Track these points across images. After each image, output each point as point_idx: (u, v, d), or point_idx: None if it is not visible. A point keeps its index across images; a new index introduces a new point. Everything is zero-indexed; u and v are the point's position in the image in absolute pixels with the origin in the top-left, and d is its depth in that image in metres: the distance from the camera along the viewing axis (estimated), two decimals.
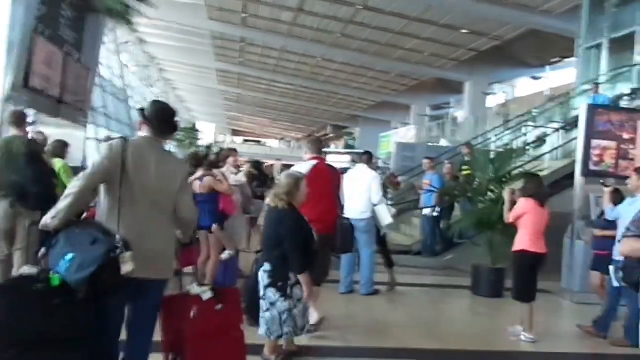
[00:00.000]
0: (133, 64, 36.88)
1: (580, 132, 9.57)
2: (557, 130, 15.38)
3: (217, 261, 8.00)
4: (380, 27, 27.49)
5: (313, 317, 6.21)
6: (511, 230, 8.56)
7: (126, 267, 3.44)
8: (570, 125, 15.47)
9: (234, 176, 9.22)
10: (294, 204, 5.21)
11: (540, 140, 15.55)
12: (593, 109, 9.48)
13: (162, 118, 4.01)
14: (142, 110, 4.04)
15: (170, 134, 4.17)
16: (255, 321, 6.24)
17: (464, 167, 12.68)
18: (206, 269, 7.93)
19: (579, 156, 9.53)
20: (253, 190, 11.12)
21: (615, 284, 6.78)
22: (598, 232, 8.31)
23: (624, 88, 16.48)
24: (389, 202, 9.59)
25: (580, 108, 9.80)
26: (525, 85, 35.29)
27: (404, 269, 10.90)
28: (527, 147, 13.86)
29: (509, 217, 7.26)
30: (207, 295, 4.32)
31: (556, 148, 13.98)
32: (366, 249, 8.90)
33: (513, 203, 7.30)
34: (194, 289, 4.38)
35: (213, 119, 73.09)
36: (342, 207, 7.16)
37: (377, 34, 28.52)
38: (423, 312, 8.84)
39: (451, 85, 35.90)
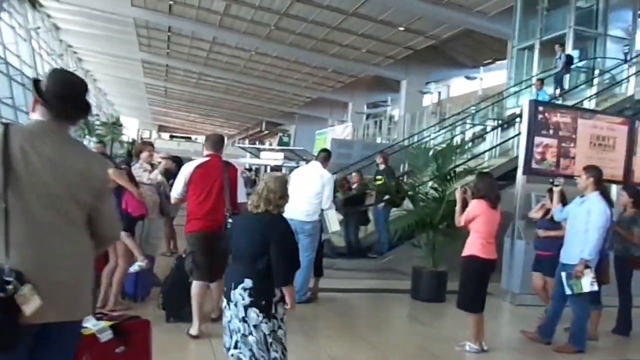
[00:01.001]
0: (46, 52, 35.54)
1: (523, 129, 9.59)
2: (494, 128, 15.53)
3: (124, 273, 7.33)
4: (316, 22, 27.41)
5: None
6: (454, 231, 8.53)
7: (30, 307, 2.52)
8: (506, 123, 15.71)
9: (147, 174, 8.70)
10: None
11: (480, 138, 15.68)
12: (536, 105, 9.49)
13: (63, 94, 2.80)
14: (36, 82, 2.84)
15: (76, 117, 2.94)
16: (173, 317, 6.83)
17: (378, 177, 12.60)
18: (113, 279, 7.26)
19: (521, 154, 9.52)
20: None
21: (568, 291, 6.82)
22: (542, 233, 8.34)
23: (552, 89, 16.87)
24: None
25: (523, 104, 9.84)
26: (459, 85, 35.95)
27: (341, 272, 10.78)
28: (469, 143, 13.84)
29: (461, 220, 6.92)
30: (106, 335, 3.59)
31: (496, 146, 14.07)
32: (306, 254, 8.47)
33: (465, 203, 7.00)
34: (89, 324, 3.52)
35: (137, 113, 71.49)
36: (234, 204, 6.56)
37: (313, 28, 28.43)
38: (358, 320, 8.61)
39: (388, 83, 36.26)
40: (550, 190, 8.19)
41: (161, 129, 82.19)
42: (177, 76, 46.80)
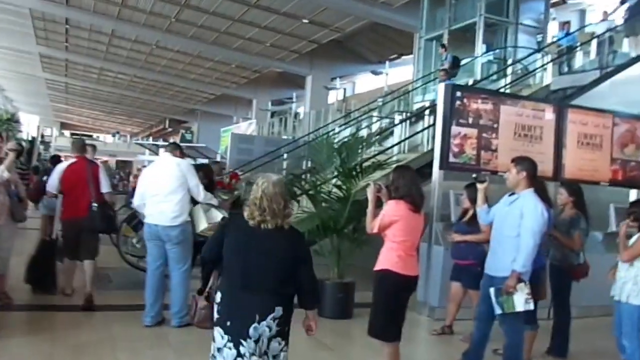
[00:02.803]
0: None
1: (438, 117, 8.04)
2: (403, 120, 14.08)
3: None
4: (218, 13, 25.82)
5: None
6: (362, 235, 7.03)
7: None
8: (415, 115, 14.36)
9: None
10: None
11: (388, 130, 14.18)
12: (453, 89, 7.91)
13: None
14: None
15: None
16: (38, 289, 7.79)
17: None
18: None
19: (437, 145, 8.00)
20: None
21: (498, 310, 5.29)
22: (457, 237, 6.92)
23: (466, 81, 15.68)
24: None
25: (438, 89, 8.26)
26: (365, 82, 35.07)
27: None
28: (376, 136, 12.07)
29: (373, 226, 5.23)
30: None
31: (406, 139, 12.63)
32: (179, 266, 6.82)
33: (379, 204, 5.34)
34: None
35: (38, 110, 67.49)
36: (99, 194, 7.49)
37: (215, 20, 26.83)
38: None
39: (293, 80, 35.14)
40: (469, 187, 6.76)
41: (63, 126, 77.99)
42: (78, 71, 43.89)
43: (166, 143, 43.21)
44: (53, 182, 7.62)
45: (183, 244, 6.77)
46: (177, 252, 6.75)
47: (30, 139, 45.22)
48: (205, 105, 46.59)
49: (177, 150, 7.15)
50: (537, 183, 5.55)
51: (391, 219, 5.09)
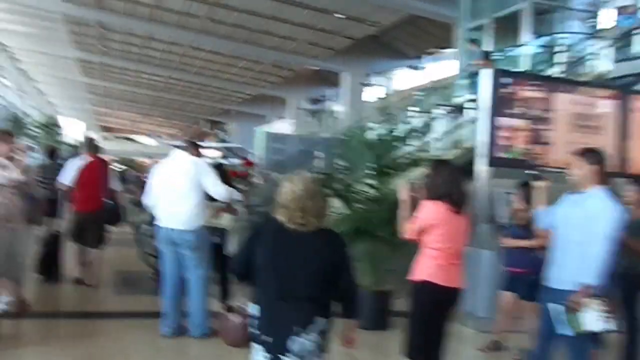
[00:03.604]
0: None
1: (482, 108, 7.21)
2: (443, 115, 13.22)
3: None
4: (250, 11, 25.09)
5: None
6: (399, 238, 6.31)
7: None
8: (456, 110, 13.49)
9: (3, 172, 6.31)
10: None
11: (426, 127, 13.34)
12: (498, 75, 7.04)
13: None
14: None
15: None
16: (47, 279, 8.32)
17: None
18: None
19: (481, 140, 7.18)
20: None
21: (563, 330, 4.46)
22: (510, 242, 6.11)
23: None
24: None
25: (481, 76, 7.39)
26: (402, 78, 34.18)
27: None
28: (414, 133, 11.10)
29: (408, 231, 4.58)
30: None
31: (446, 134, 11.79)
32: (196, 272, 6.22)
33: (414, 205, 4.61)
34: None
35: (80, 114, 68.11)
36: (111, 191, 8.57)
37: (248, 18, 26.11)
38: None
39: (329, 77, 34.26)
40: (523, 186, 5.96)
41: (105, 129, 78.60)
42: (114, 74, 43.76)
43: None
44: (68, 176, 8.34)
45: (199, 249, 6.20)
46: (193, 258, 6.19)
47: (76, 143, 45.82)
48: (241, 105, 46.04)
49: (194, 148, 6.56)
50: (607, 180, 4.70)
51: (427, 223, 4.40)
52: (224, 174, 7.10)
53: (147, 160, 54.25)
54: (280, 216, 3.44)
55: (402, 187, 4.68)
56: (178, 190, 6.12)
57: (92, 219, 8.30)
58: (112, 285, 8.81)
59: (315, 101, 38.53)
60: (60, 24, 30.91)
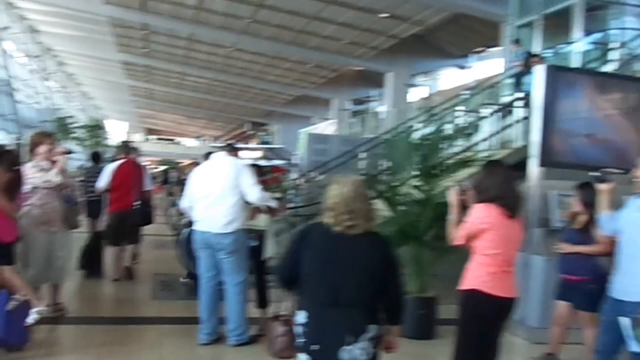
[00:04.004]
0: (23, 55, 33.03)
1: (535, 107, 6.85)
2: (493, 113, 12.75)
3: None
4: (294, 11, 25.01)
5: None
6: (446, 243, 5.97)
7: None
8: (505, 108, 13.02)
9: (41, 174, 6.21)
10: None
11: (472, 125, 12.89)
12: (555, 72, 6.66)
13: None
14: None
15: None
16: (90, 274, 8.82)
17: None
18: None
19: (535, 139, 6.80)
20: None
21: (634, 347, 4.10)
22: (568, 248, 5.73)
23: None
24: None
25: (535, 72, 7.02)
26: (448, 78, 33.69)
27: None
28: (464, 131, 10.64)
29: (457, 236, 4.27)
30: None
31: (496, 133, 11.34)
32: (233, 278, 6.00)
33: (463, 208, 4.30)
34: None
35: (125, 117, 69.16)
36: (142, 192, 8.98)
37: (291, 19, 26.05)
38: None
39: (373, 78, 33.86)
40: (582, 187, 5.58)
41: (149, 131, 79.57)
42: (159, 77, 44.43)
43: (245, 145, 43.28)
44: (103, 180, 8.79)
45: (237, 253, 5.98)
46: (231, 262, 5.96)
47: (119, 144, 46.40)
48: (284, 106, 46.04)
49: (233, 150, 6.39)
50: None
51: (479, 227, 4.09)
52: (259, 171, 6.88)
53: (188, 161, 54.78)
54: (328, 219, 3.30)
55: (451, 189, 4.36)
56: (216, 192, 5.92)
57: (124, 218, 8.73)
58: (149, 289, 8.68)
59: (359, 102, 38.23)
60: (106, 27, 31.33)
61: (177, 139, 75.88)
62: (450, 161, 7.15)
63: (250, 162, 8.10)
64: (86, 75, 48.73)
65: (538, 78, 6.78)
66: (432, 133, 7.49)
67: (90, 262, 8.94)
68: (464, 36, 27.51)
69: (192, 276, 8.55)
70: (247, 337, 6.03)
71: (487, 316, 4.07)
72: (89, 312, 7.21)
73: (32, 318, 5.28)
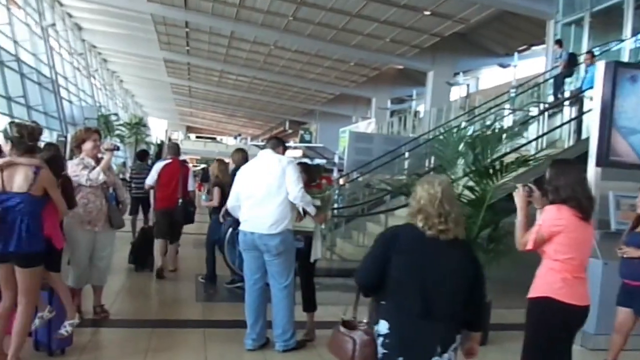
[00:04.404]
0: (67, 52, 33.41)
1: (595, 104, 6.56)
2: (543, 112, 12.39)
3: (29, 318, 4.81)
4: (336, 9, 24.94)
5: None
6: (499, 245, 5.76)
7: None
8: (556, 106, 12.65)
9: (85, 172, 6.06)
10: None
11: (526, 122, 12.52)
12: (616, 68, 6.36)
13: None
14: None
15: None
16: (140, 268, 9.15)
17: None
18: (14, 327, 4.70)
19: (593, 138, 6.53)
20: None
21: None
22: (633, 252, 5.44)
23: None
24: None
25: (597, 68, 6.74)
26: (489, 77, 33.20)
27: (352, 295, 7.91)
28: (517, 130, 10.28)
29: (527, 241, 3.95)
30: None
31: (548, 132, 11.01)
32: (280, 281, 5.76)
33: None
34: None
35: (165, 114, 69.75)
36: (187, 191, 9.15)
37: (333, 17, 25.98)
38: None
39: (413, 76, 33.80)
40: None
41: (189, 129, 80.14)
42: (200, 75, 44.76)
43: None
44: (152, 177, 9.11)
45: (284, 255, 5.71)
46: (278, 264, 5.71)
47: (159, 142, 46.76)
48: (324, 105, 46.00)
49: (280, 146, 6.10)
50: None
51: (551, 230, 3.84)
52: (311, 171, 6.61)
53: (228, 160, 54.88)
54: (418, 222, 3.10)
55: (518, 190, 4.11)
56: (261, 191, 5.69)
57: (169, 215, 8.99)
58: (192, 290, 8.48)
59: (400, 100, 37.91)
60: (149, 25, 31.64)
61: (217, 137, 76.30)
62: (509, 159, 6.83)
63: (299, 160, 7.92)
64: (128, 73, 49.30)
65: (598, 74, 6.49)
66: (488, 130, 7.19)
67: (140, 256, 9.26)
68: (508, 34, 27.13)
69: (236, 279, 8.49)
70: (295, 342, 5.80)
71: (558, 326, 3.83)
72: (132, 314, 7.03)
73: (65, 330, 5.10)
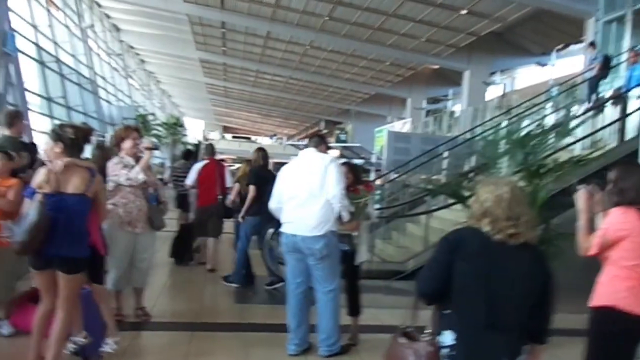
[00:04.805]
0: (106, 53, 33.64)
1: None
2: (587, 111, 11.94)
3: (67, 327, 4.57)
4: (371, 9, 24.70)
5: None
6: (550, 247, 5.45)
7: None
8: (597, 107, 12.21)
9: (125, 171, 5.92)
10: None
11: (565, 125, 12.09)
12: None
13: None
14: None
15: None
16: (180, 262, 9.73)
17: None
18: (51, 334, 4.48)
19: None
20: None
21: None
22: None
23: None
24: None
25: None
26: (525, 76, 32.58)
27: (393, 297, 7.61)
28: (565, 129, 9.76)
29: (591, 246, 3.65)
30: None
31: (596, 131, 10.56)
32: (325, 285, 5.50)
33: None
34: None
35: (202, 115, 70.07)
36: (225, 188, 9.38)
37: (369, 16, 25.73)
38: None
39: (449, 76, 33.48)
40: None
41: (225, 129, 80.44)
42: (235, 75, 44.73)
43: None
44: (191, 178, 9.59)
45: (328, 258, 5.45)
46: (322, 268, 5.46)
47: (196, 142, 46.95)
48: (360, 105, 45.68)
49: (323, 144, 5.81)
50: None
51: (616, 235, 3.57)
52: (355, 170, 6.33)
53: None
54: (483, 226, 2.87)
55: (579, 192, 3.81)
56: (304, 192, 5.45)
57: (209, 212, 9.32)
58: (231, 291, 8.25)
59: (435, 100, 37.46)
60: (185, 26, 31.66)
61: (253, 137, 76.44)
62: (562, 159, 6.45)
63: (344, 160, 7.67)
64: (165, 74, 49.49)
65: None
66: (535, 129, 6.84)
67: (180, 251, 9.85)
68: (545, 33, 26.57)
69: (275, 280, 8.29)
70: (339, 347, 5.56)
71: (622, 336, 3.55)
72: (172, 316, 6.83)
73: (108, 347, 4.94)
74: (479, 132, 13.92)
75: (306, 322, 5.63)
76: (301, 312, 5.59)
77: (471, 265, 2.85)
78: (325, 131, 59.74)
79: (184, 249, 9.86)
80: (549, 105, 14.31)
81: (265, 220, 7.28)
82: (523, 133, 6.50)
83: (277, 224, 5.87)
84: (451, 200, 8.33)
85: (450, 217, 10.73)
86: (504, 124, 12.88)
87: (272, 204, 5.74)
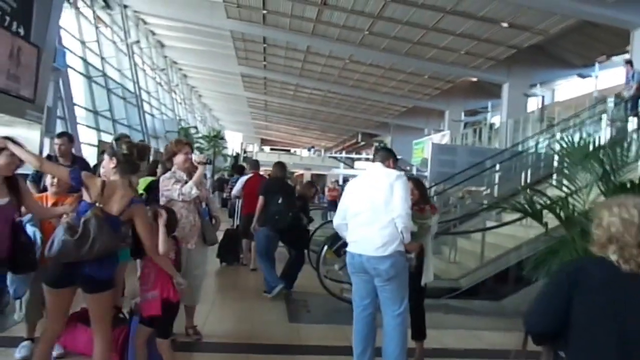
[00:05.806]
0: (150, 68, 33.81)
1: None
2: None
3: (109, 346, 4.27)
4: (411, 23, 24.15)
5: None
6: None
7: None
8: None
9: (178, 186, 5.54)
10: None
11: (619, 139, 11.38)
12: None
13: None
14: None
15: None
16: (226, 263, 10.93)
17: None
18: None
19: None
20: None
21: None
22: None
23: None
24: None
25: None
26: (565, 88, 31.71)
27: (454, 317, 7.06)
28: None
29: None
30: None
31: None
32: (393, 308, 4.97)
33: None
34: None
35: (241, 127, 70.18)
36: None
37: (408, 30, 25.16)
38: None
39: (487, 89, 32.66)
40: None
41: (263, 142, 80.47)
42: (275, 89, 44.58)
43: (361, 156, 42.53)
44: (237, 189, 11.07)
45: (396, 279, 4.93)
46: (390, 290, 4.94)
47: (234, 154, 46.94)
48: (397, 118, 45.04)
49: (390, 158, 5.30)
50: None
51: None
52: (420, 186, 5.79)
53: (302, 172, 54.79)
54: (610, 254, 2.38)
55: None
56: (368, 209, 4.97)
57: (252, 219, 9.45)
58: (283, 309, 7.78)
59: (473, 112, 36.73)
60: (227, 41, 31.64)
61: (291, 149, 76.35)
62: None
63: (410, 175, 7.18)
64: (207, 88, 49.77)
65: None
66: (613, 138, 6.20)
67: (225, 252, 10.89)
68: (587, 45, 25.73)
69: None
70: None
71: None
72: (224, 336, 6.35)
73: None
74: (532, 144, 13.32)
75: (372, 347, 5.10)
76: (368, 336, 5.07)
77: (595, 299, 2.37)
78: (362, 143, 59.39)
79: (229, 251, 10.92)
80: (605, 117, 13.55)
81: (273, 230, 8.51)
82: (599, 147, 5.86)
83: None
84: (516, 215, 7.71)
85: (504, 232, 10.17)
86: (558, 136, 12.25)
87: (336, 220, 5.26)
